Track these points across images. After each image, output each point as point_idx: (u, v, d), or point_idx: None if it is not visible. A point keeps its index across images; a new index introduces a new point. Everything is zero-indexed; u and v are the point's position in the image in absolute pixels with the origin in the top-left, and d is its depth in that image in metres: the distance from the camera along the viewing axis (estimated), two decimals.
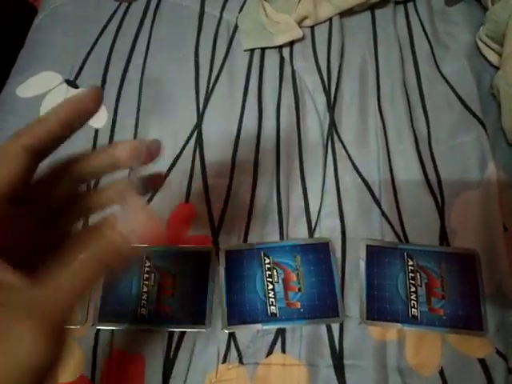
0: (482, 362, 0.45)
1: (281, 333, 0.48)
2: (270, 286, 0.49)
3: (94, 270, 0.24)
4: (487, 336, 0.46)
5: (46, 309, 0.22)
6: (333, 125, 0.59)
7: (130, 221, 0.27)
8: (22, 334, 0.20)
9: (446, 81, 0.62)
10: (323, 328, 0.48)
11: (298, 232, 0.53)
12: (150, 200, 0.55)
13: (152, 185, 0.33)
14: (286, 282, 0.49)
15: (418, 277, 0.49)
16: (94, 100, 0.28)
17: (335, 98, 0.62)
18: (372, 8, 0.69)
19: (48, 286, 0.22)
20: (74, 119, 0.27)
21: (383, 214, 0.53)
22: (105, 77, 0.66)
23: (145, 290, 0.50)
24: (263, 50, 0.67)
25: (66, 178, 0.29)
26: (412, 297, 0.48)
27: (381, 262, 0.50)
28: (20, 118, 0.62)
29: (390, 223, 0.53)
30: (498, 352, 0.46)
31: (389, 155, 0.57)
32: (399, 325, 0.47)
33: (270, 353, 0.47)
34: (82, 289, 0.23)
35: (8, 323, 0.20)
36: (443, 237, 0.52)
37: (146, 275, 0.50)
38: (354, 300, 0.49)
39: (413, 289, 0.48)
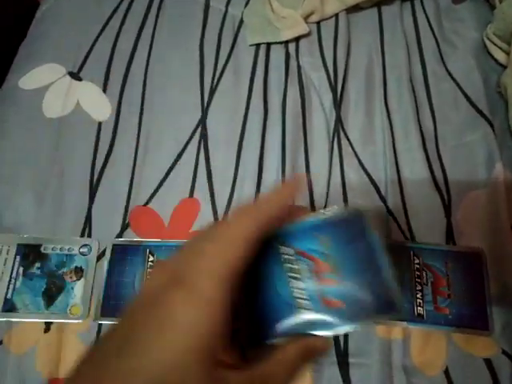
0: (488, 361, 0.45)
1: None
2: None
3: (300, 365, 0.27)
4: (493, 336, 0.46)
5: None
6: (339, 122, 0.59)
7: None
8: None
9: (453, 79, 0.62)
10: None
11: None
12: (154, 194, 0.55)
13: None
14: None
15: (424, 275, 0.48)
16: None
17: (341, 94, 0.61)
18: (379, 4, 0.69)
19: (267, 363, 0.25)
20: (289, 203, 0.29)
21: (389, 211, 0.53)
22: (108, 69, 0.65)
23: None
24: (269, 45, 0.66)
25: None
26: (418, 295, 0.47)
27: None
28: (22, 109, 0.62)
29: (396, 221, 0.52)
30: (503, 352, 0.45)
31: (395, 153, 0.57)
32: (404, 323, 0.47)
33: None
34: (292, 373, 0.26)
35: None
36: (449, 236, 0.51)
37: (149, 270, 0.50)
38: None
39: (419, 287, 0.48)
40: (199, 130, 0.60)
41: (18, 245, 0.52)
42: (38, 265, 0.51)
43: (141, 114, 0.62)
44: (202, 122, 0.61)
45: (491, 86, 0.61)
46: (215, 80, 0.64)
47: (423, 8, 0.69)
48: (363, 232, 0.32)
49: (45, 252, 0.52)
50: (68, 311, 0.49)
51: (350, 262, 0.32)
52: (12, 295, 0.49)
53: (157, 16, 0.70)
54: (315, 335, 0.29)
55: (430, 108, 0.60)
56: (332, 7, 0.67)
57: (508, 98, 0.57)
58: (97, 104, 0.63)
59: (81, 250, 0.52)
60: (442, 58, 0.64)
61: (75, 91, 0.63)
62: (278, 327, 0.30)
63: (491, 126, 0.56)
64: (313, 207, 0.54)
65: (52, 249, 0.52)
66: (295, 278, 0.31)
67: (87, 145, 0.59)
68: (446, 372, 0.45)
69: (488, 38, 0.63)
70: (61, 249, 0.52)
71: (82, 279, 0.50)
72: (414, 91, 0.61)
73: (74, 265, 0.51)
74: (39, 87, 0.63)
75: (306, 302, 0.30)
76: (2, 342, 0.47)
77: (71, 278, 0.50)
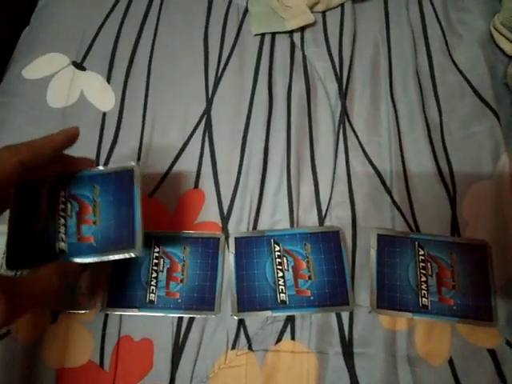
0: (492, 352, 0.46)
1: (290, 320, 0.48)
2: (280, 274, 0.49)
3: (54, 280, 0.37)
4: (497, 327, 0.46)
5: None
6: (344, 112, 0.59)
7: None
8: None
9: (459, 70, 0.61)
10: (333, 316, 0.48)
11: (309, 220, 0.53)
12: (158, 185, 0.55)
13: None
14: (296, 269, 0.49)
15: (429, 266, 0.48)
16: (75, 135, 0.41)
17: (347, 84, 0.61)
18: None
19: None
20: (63, 148, 0.40)
21: (394, 203, 0.53)
22: (112, 59, 0.65)
23: (154, 275, 0.49)
24: (273, 34, 0.66)
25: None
26: (422, 286, 0.48)
27: (392, 252, 0.49)
28: (26, 99, 0.61)
29: (401, 212, 0.52)
30: (507, 343, 0.46)
31: (400, 144, 0.56)
32: (409, 314, 0.47)
33: (279, 340, 0.47)
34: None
35: None
36: (455, 227, 0.52)
37: (155, 261, 0.50)
38: (364, 289, 0.49)
39: (423, 278, 0.48)
40: (204, 120, 0.60)
41: None
42: None
43: (145, 104, 0.61)
44: (207, 112, 0.60)
45: (497, 76, 0.60)
46: (220, 70, 0.64)
47: None
48: (129, 185, 0.42)
49: None
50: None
51: (109, 208, 0.41)
52: None
53: (161, 5, 0.70)
54: (71, 261, 0.39)
55: (436, 99, 0.60)
56: None
57: None
58: (101, 94, 0.62)
59: None
60: (448, 49, 0.64)
61: (79, 81, 0.63)
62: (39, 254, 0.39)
63: (497, 117, 0.56)
64: (318, 199, 0.54)
65: None
66: (62, 216, 0.41)
67: (92, 135, 0.59)
68: (451, 362, 0.46)
69: (495, 29, 0.63)
70: None
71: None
72: (419, 82, 0.61)
73: None
74: (43, 77, 0.63)
75: (62, 235, 0.40)
76: (10, 332, 0.48)
77: None
